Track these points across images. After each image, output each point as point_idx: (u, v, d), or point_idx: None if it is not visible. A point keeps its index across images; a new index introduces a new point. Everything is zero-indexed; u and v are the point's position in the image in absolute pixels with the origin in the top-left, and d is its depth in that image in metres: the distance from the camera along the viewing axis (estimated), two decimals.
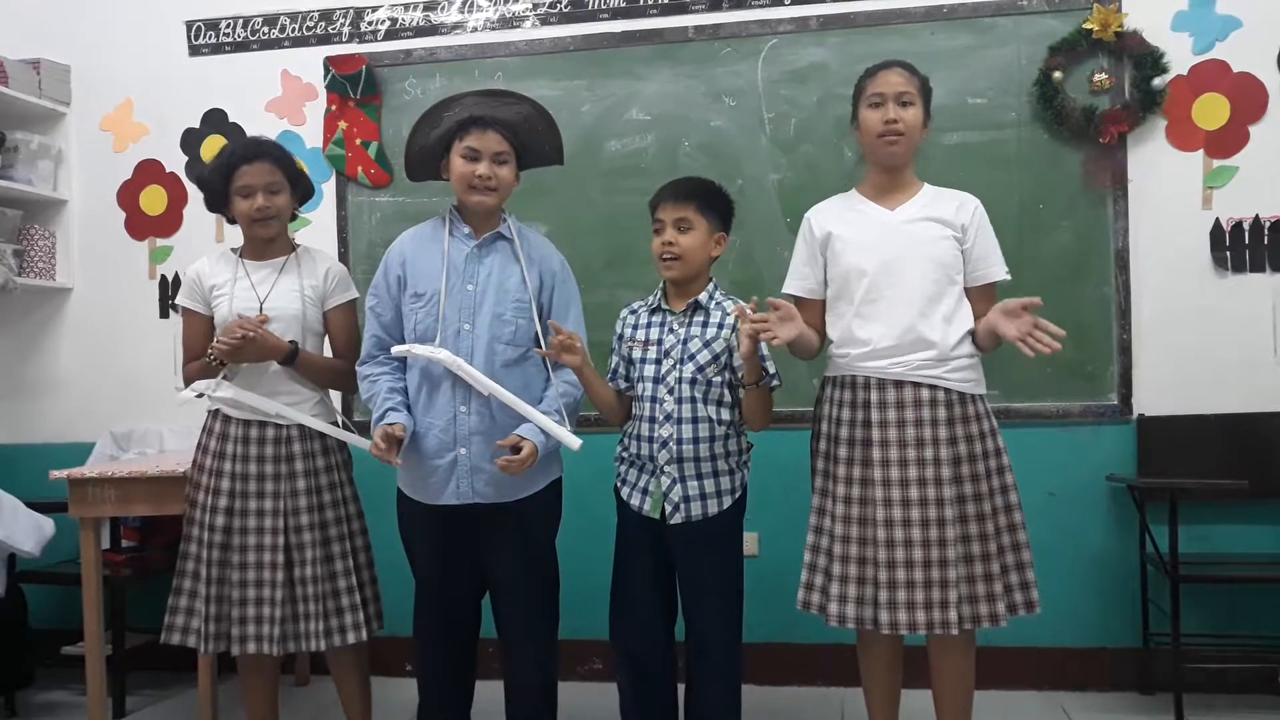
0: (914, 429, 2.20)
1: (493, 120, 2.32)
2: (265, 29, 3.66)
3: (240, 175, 2.47)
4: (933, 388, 2.21)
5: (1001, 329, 2.16)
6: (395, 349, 2.34)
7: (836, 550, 2.25)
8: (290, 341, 2.46)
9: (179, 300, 2.62)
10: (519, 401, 2.26)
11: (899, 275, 2.24)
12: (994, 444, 2.25)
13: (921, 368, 2.21)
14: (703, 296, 2.37)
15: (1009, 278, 2.34)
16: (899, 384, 2.22)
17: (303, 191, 2.61)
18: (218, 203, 2.55)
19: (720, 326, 2.34)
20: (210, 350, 2.43)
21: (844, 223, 2.34)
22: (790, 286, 2.41)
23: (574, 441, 2.26)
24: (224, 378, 2.47)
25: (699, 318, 2.37)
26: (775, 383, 2.35)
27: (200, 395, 2.49)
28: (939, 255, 2.26)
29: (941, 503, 2.17)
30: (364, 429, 2.57)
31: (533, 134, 2.40)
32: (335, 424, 2.56)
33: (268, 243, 2.56)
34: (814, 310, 2.38)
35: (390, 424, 2.26)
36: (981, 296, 2.30)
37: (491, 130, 2.31)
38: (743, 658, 2.41)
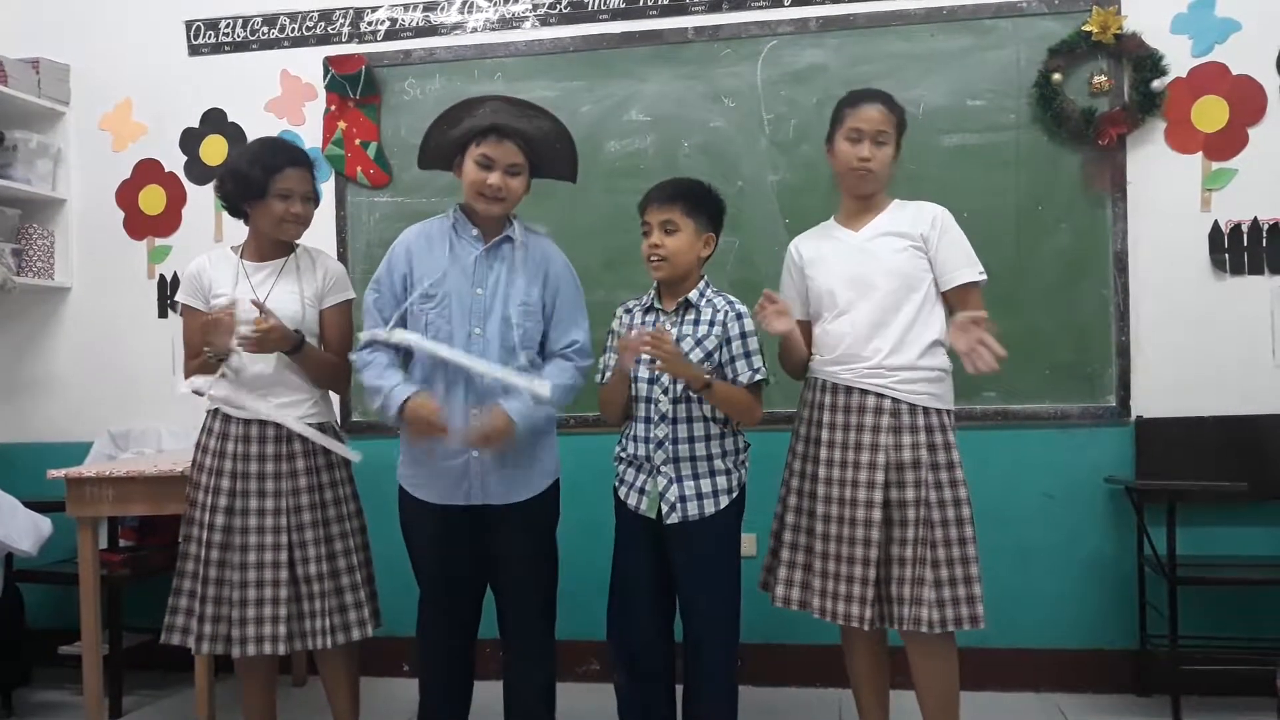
0: (855, 433, 2.29)
1: (512, 131, 2.31)
2: (265, 29, 3.66)
3: (286, 177, 2.46)
4: (879, 396, 2.28)
5: (953, 340, 2.23)
6: (400, 334, 2.32)
7: (787, 538, 2.39)
8: (295, 331, 2.44)
9: (179, 298, 2.60)
10: (510, 372, 2.26)
11: (860, 290, 2.32)
12: (947, 457, 2.29)
13: (868, 375, 2.30)
14: (693, 295, 2.38)
15: (983, 279, 2.35)
16: (849, 390, 2.32)
17: (316, 203, 2.60)
18: (249, 195, 2.48)
19: (711, 324, 2.35)
20: (235, 345, 2.39)
21: (817, 249, 2.44)
22: None
23: (544, 390, 2.26)
24: (221, 375, 2.46)
25: (690, 316, 2.37)
26: (758, 378, 2.34)
27: (198, 393, 2.48)
28: (898, 267, 2.32)
29: (872, 505, 2.24)
30: (363, 428, 2.57)
31: (549, 149, 2.39)
32: (333, 426, 2.56)
33: (276, 244, 2.55)
34: (802, 331, 2.44)
35: (415, 400, 2.25)
36: (958, 299, 2.33)
37: (509, 141, 2.30)
38: (740, 658, 2.42)
